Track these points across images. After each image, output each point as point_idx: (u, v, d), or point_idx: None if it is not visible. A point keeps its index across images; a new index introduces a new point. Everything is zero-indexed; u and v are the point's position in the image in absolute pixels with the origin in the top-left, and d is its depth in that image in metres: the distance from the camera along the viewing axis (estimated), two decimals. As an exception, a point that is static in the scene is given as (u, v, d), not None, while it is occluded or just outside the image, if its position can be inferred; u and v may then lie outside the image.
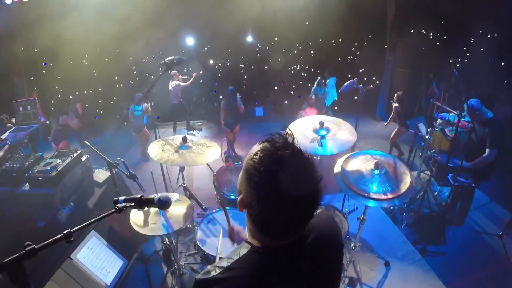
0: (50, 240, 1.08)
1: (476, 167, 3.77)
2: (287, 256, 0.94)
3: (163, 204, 1.53)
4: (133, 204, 1.45)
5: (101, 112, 9.29)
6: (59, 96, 7.76)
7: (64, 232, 1.12)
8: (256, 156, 0.88)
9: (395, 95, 5.93)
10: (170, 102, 7.86)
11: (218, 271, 0.92)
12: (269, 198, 0.85)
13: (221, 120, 6.14)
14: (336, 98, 7.55)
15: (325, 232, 1.05)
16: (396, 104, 5.83)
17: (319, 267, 1.00)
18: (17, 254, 1.00)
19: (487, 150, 3.65)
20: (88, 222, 1.24)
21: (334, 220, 1.13)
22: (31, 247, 1.02)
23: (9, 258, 0.99)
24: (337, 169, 2.76)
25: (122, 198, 1.45)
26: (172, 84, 7.73)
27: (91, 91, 9.07)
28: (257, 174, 0.86)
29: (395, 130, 6.00)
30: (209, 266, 0.95)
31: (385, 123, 6.28)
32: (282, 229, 0.90)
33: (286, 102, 9.57)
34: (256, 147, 0.92)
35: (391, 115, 5.98)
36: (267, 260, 0.93)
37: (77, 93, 7.93)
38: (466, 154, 4.01)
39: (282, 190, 0.83)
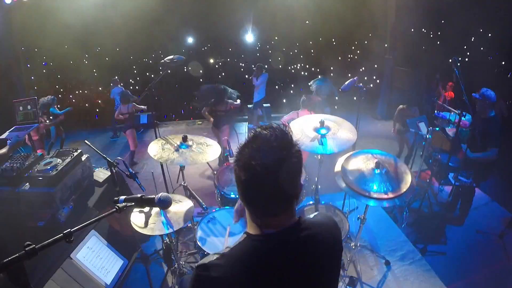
0: (50, 240, 1.08)
1: (478, 161, 3.73)
2: (280, 243, 1.00)
3: (164, 203, 1.53)
4: (133, 203, 1.45)
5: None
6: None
7: (64, 231, 1.11)
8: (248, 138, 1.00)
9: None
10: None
11: (216, 256, 1.00)
12: (246, 169, 0.94)
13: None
14: (264, 96, 7.55)
15: (322, 231, 1.10)
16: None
17: (311, 259, 1.04)
18: (17, 254, 1.00)
19: (490, 149, 3.63)
20: (88, 221, 1.24)
21: (334, 224, 1.17)
22: (31, 247, 1.02)
23: (10, 258, 0.98)
24: (337, 168, 2.76)
25: (122, 197, 1.45)
26: (118, 89, 7.74)
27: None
28: (240, 151, 0.98)
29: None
30: (210, 255, 1.03)
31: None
32: (262, 201, 0.97)
33: (284, 100, 9.57)
34: None
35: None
36: (260, 245, 1.00)
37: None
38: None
39: (256, 160, 0.92)
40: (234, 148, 3.93)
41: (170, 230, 2.43)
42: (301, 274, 1.02)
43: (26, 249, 1.01)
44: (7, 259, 0.98)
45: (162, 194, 1.52)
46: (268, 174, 0.92)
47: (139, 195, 1.46)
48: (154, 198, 1.47)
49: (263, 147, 0.93)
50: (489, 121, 3.68)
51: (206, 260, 1.00)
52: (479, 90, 3.77)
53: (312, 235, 1.05)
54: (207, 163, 3.16)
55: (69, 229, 1.12)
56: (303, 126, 3.09)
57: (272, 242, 1.00)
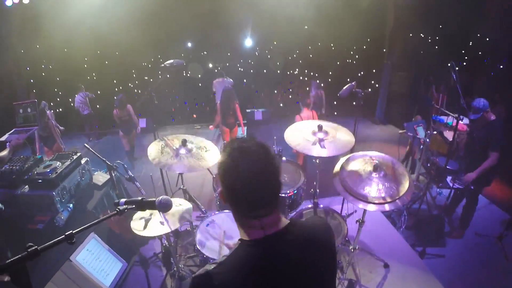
0: (52, 241, 1.08)
1: (483, 174, 3.61)
2: (272, 246, 1.03)
3: (164, 206, 1.54)
4: (134, 206, 1.46)
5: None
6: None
7: (66, 233, 1.12)
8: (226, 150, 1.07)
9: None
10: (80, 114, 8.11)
11: (212, 266, 1.01)
12: (232, 174, 1.02)
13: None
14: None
15: (315, 235, 1.12)
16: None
17: (303, 262, 1.05)
18: (20, 255, 1.00)
19: (490, 154, 3.54)
20: (90, 223, 1.24)
21: (325, 224, 1.20)
22: (34, 248, 1.02)
23: (12, 259, 0.98)
24: (335, 172, 2.77)
25: (123, 200, 1.46)
26: (80, 96, 7.99)
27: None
28: (224, 161, 1.04)
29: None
30: (206, 265, 1.04)
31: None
32: (246, 197, 1.02)
33: (281, 105, 9.63)
34: None
35: None
36: (253, 250, 1.03)
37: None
38: (468, 161, 3.96)
39: (240, 167, 1.00)
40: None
41: (168, 231, 2.43)
42: (294, 277, 1.03)
43: (29, 250, 1.02)
44: (10, 260, 0.98)
45: (162, 197, 1.53)
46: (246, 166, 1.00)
47: (139, 198, 1.47)
48: (154, 201, 1.48)
49: (251, 158, 1.02)
50: (492, 125, 3.59)
51: (203, 269, 1.02)
52: (474, 99, 3.64)
53: (302, 237, 1.07)
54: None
55: (71, 231, 1.13)
56: (302, 130, 3.11)
57: (265, 245, 1.02)
